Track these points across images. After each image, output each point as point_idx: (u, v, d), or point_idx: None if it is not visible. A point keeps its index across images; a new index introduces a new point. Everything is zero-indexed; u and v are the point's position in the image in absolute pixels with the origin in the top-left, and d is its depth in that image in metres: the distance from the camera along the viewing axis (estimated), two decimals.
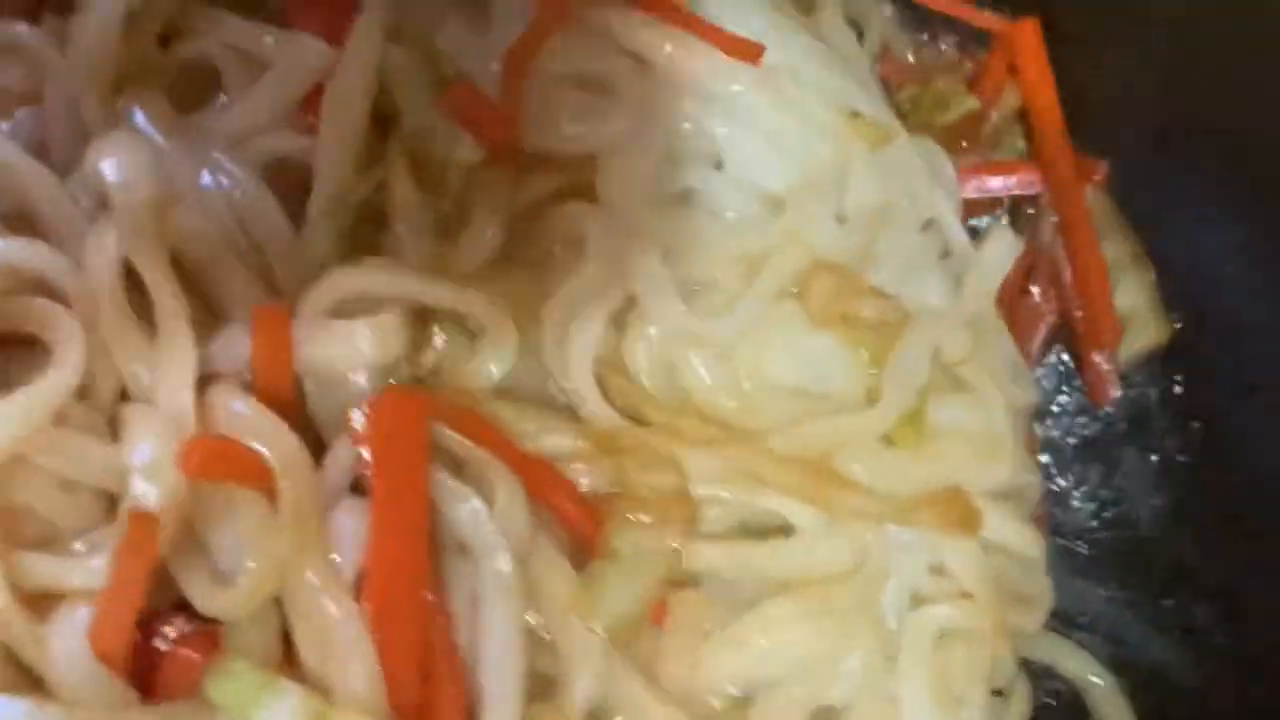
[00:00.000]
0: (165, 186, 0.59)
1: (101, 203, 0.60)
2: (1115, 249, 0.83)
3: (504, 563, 0.58)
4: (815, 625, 0.62)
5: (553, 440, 0.62)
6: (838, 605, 0.63)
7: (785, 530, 0.65)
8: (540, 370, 0.65)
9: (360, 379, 0.60)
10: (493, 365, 0.63)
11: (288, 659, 0.56)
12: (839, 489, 0.64)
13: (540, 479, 0.60)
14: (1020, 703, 0.72)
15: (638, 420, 0.64)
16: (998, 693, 0.71)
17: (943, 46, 0.88)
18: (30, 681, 0.55)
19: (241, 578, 0.53)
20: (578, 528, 0.61)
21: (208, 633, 0.55)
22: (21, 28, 0.66)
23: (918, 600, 0.67)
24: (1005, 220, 0.86)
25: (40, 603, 0.53)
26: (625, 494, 0.62)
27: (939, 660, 0.66)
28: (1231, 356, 0.78)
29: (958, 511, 0.65)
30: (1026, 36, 0.86)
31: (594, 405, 0.64)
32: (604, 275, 0.65)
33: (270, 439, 0.55)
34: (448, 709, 0.54)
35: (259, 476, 0.54)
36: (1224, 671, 0.75)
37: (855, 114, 0.73)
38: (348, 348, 0.59)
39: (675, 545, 0.61)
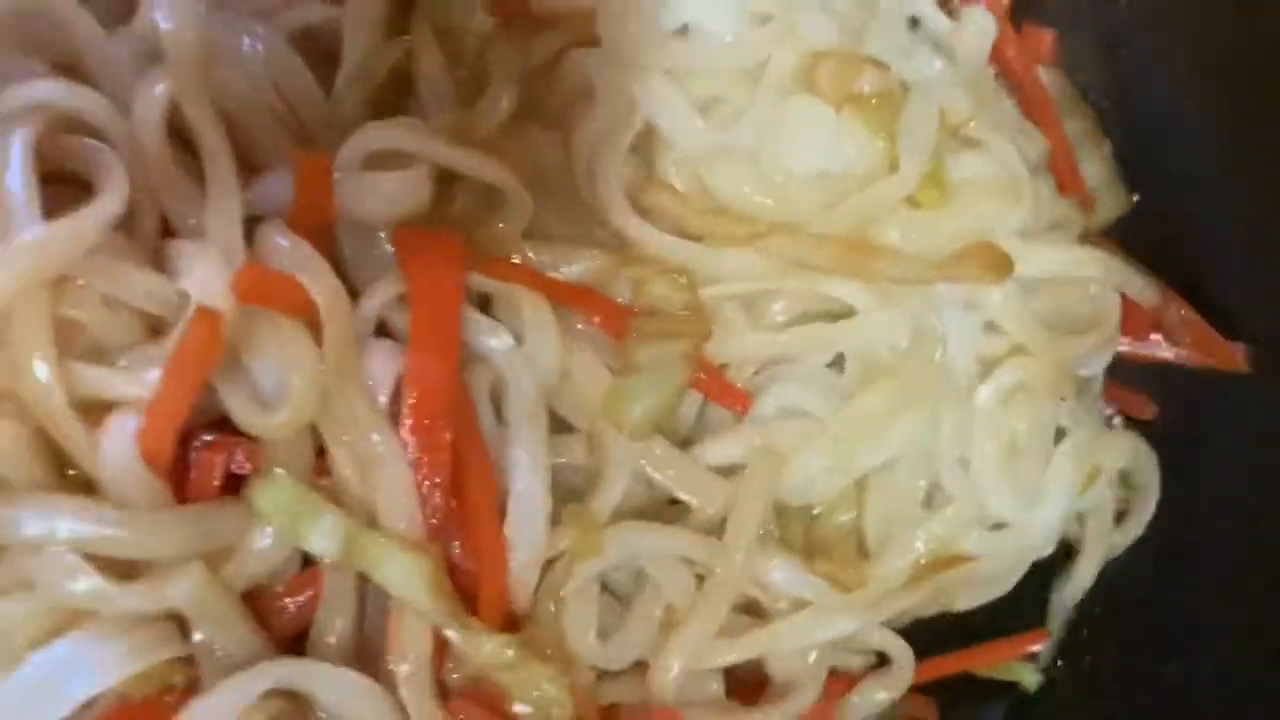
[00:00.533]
0: (210, 44, 0.63)
1: (147, 57, 0.64)
2: (1072, 125, 0.88)
3: (529, 388, 0.65)
4: (907, 408, 0.72)
5: (575, 267, 0.69)
6: (918, 385, 0.72)
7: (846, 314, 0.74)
8: (569, 218, 0.72)
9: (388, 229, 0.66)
10: (509, 224, 0.69)
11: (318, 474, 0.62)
12: (878, 258, 0.72)
13: (569, 296, 0.68)
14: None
15: (684, 235, 0.72)
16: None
17: None
18: (74, 486, 0.60)
19: (287, 399, 0.59)
20: (615, 330, 0.68)
21: (245, 447, 0.61)
22: None
23: (986, 365, 0.75)
24: None
25: (88, 411, 0.59)
26: (644, 309, 0.70)
27: (1005, 419, 0.75)
28: (1190, 219, 0.84)
29: (989, 258, 0.73)
30: None
31: (633, 228, 0.70)
32: (616, 109, 0.71)
33: (314, 273, 0.60)
34: (484, 516, 0.62)
35: (302, 307, 0.60)
36: None
37: None
38: (379, 198, 0.65)
39: (690, 350, 0.69)
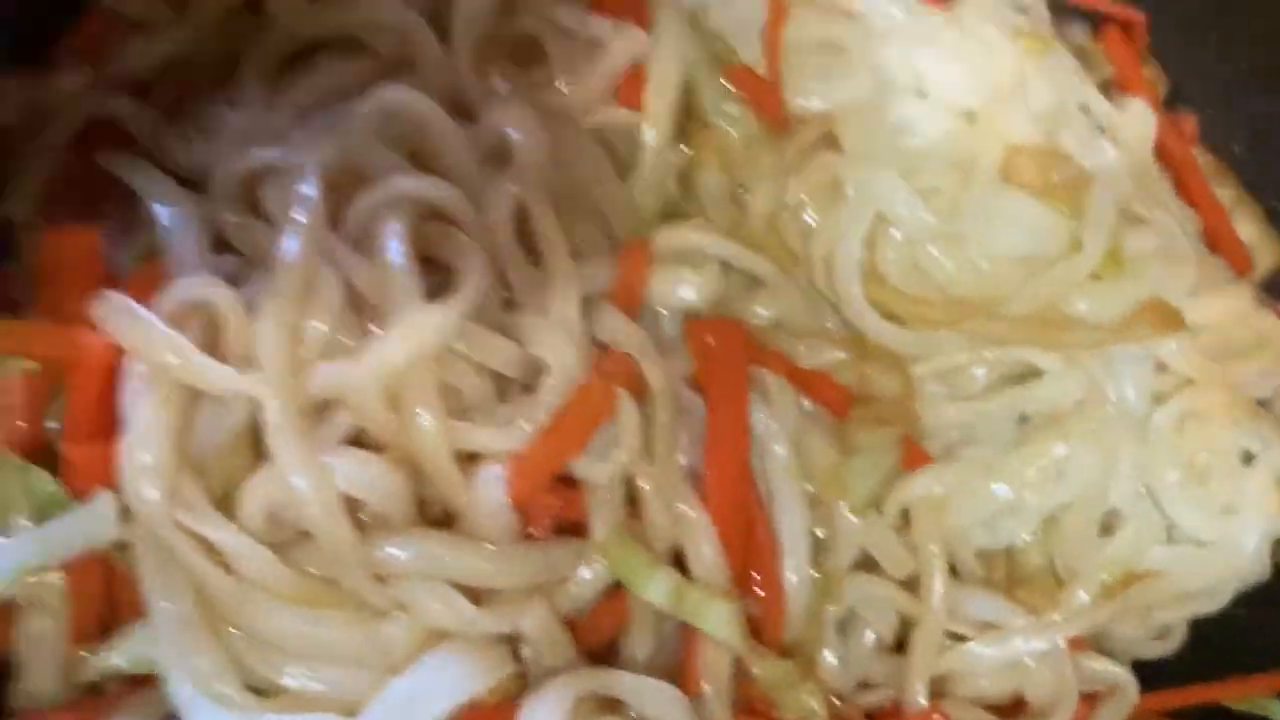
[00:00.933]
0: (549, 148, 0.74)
1: (491, 154, 0.75)
2: (1220, 191, 1.00)
3: (782, 448, 0.76)
4: (1082, 445, 0.83)
5: (817, 357, 0.81)
6: (1093, 430, 0.83)
7: (1034, 374, 0.85)
8: (810, 307, 0.83)
9: (675, 315, 0.79)
10: (765, 309, 0.82)
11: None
12: (1068, 330, 0.84)
13: (808, 381, 0.79)
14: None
15: (893, 320, 0.83)
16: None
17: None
18: (432, 524, 0.70)
19: (618, 452, 0.70)
20: (838, 411, 0.80)
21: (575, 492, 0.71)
22: (397, 3, 0.79)
23: (1158, 399, 0.86)
24: None
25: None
26: (866, 397, 0.82)
27: (1182, 446, 0.86)
28: None
29: (1163, 315, 0.85)
30: (1126, 39, 1.01)
31: (861, 310, 0.82)
32: (858, 203, 0.84)
33: (649, 358, 0.71)
34: (767, 567, 0.73)
35: (632, 382, 0.71)
36: None
37: (1022, 32, 0.92)
38: (679, 289, 0.77)
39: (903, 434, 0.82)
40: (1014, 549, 0.88)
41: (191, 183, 0.75)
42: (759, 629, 0.75)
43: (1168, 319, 0.86)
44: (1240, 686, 0.88)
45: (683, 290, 0.77)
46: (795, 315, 0.82)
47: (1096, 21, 1.04)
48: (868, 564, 0.84)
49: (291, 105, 0.75)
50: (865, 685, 0.84)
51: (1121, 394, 0.87)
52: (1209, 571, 0.89)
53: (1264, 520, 0.89)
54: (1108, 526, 0.88)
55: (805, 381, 0.80)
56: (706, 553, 0.72)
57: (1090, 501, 0.86)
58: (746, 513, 0.74)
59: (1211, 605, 0.90)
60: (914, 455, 0.84)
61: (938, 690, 0.84)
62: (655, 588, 0.70)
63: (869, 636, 0.83)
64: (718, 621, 0.71)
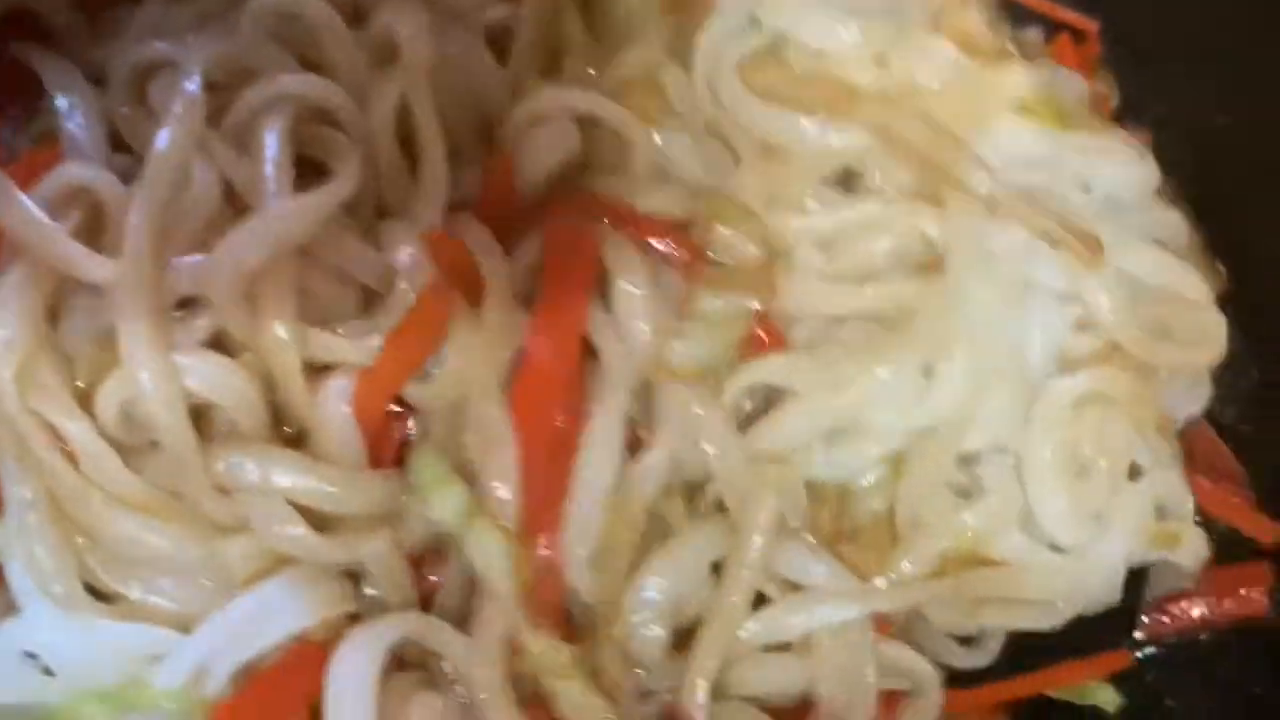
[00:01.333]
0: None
1: (378, 57, 0.71)
2: None
3: (626, 371, 0.66)
4: (955, 369, 0.70)
5: (661, 200, 0.72)
6: (974, 352, 0.70)
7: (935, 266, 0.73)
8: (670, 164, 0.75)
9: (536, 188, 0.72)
10: (636, 169, 0.73)
11: None
12: (969, 164, 0.73)
13: (647, 229, 0.70)
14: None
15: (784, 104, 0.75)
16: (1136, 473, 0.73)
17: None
18: (285, 442, 0.66)
19: (439, 371, 0.65)
20: (681, 265, 0.70)
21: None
22: None
23: (1066, 363, 0.73)
24: None
25: (308, 372, 0.65)
26: (716, 263, 0.72)
27: (1071, 428, 0.71)
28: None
29: (1082, 239, 0.70)
30: (1077, 48, 0.95)
31: (740, 102, 0.75)
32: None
33: (490, 256, 0.66)
34: (556, 495, 0.64)
35: (473, 284, 0.65)
36: None
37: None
38: (541, 151, 0.71)
39: (754, 307, 0.70)
40: (851, 489, 0.72)
41: (99, 81, 0.75)
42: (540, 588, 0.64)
43: (1086, 243, 0.70)
44: (1064, 673, 0.74)
45: (540, 150, 0.71)
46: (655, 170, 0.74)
47: (1050, 30, 0.97)
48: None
49: (194, 5, 0.74)
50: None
51: (1026, 336, 0.72)
52: (1056, 583, 0.72)
53: (1130, 543, 0.73)
54: (962, 493, 0.73)
55: (649, 231, 0.70)
56: (501, 467, 0.64)
57: (948, 441, 0.70)
58: (557, 433, 0.65)
59: (1045, 622, 0.73)
60: (771, 337, 0.72)
61: (717, 691, 0.67)
62: (443, 503, 0.64)
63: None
64: (488, 553, 0.63)
